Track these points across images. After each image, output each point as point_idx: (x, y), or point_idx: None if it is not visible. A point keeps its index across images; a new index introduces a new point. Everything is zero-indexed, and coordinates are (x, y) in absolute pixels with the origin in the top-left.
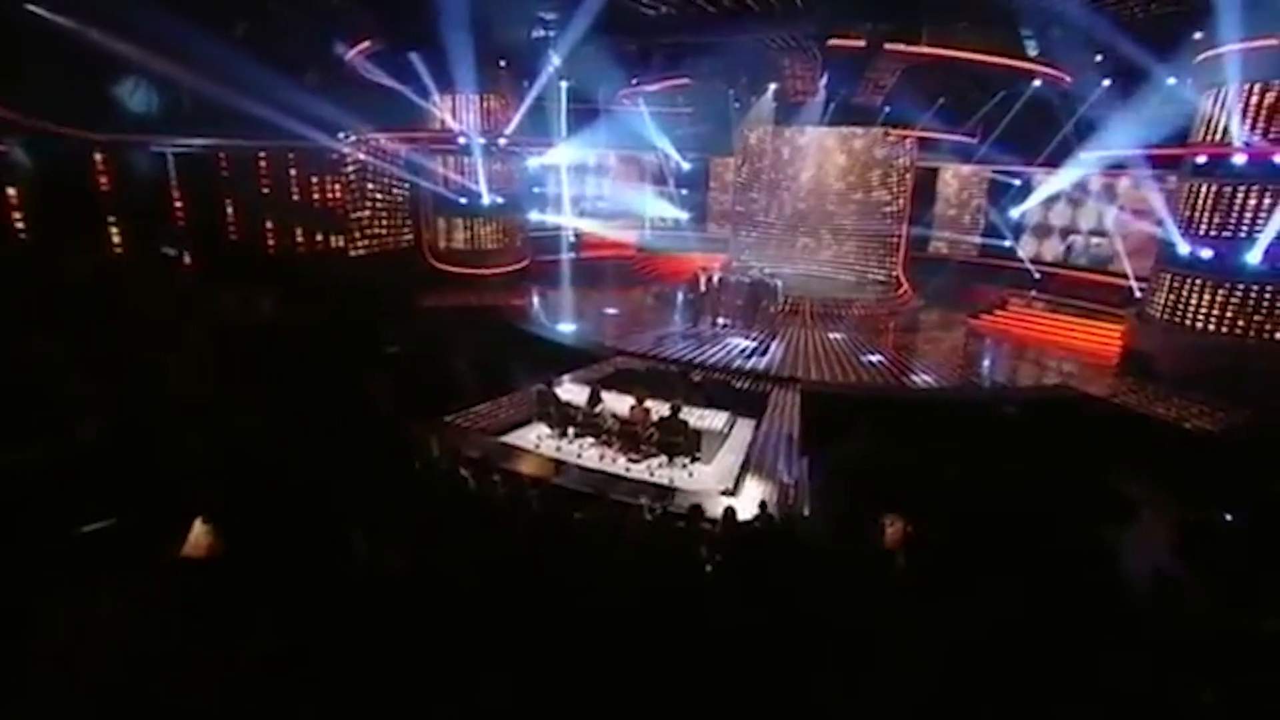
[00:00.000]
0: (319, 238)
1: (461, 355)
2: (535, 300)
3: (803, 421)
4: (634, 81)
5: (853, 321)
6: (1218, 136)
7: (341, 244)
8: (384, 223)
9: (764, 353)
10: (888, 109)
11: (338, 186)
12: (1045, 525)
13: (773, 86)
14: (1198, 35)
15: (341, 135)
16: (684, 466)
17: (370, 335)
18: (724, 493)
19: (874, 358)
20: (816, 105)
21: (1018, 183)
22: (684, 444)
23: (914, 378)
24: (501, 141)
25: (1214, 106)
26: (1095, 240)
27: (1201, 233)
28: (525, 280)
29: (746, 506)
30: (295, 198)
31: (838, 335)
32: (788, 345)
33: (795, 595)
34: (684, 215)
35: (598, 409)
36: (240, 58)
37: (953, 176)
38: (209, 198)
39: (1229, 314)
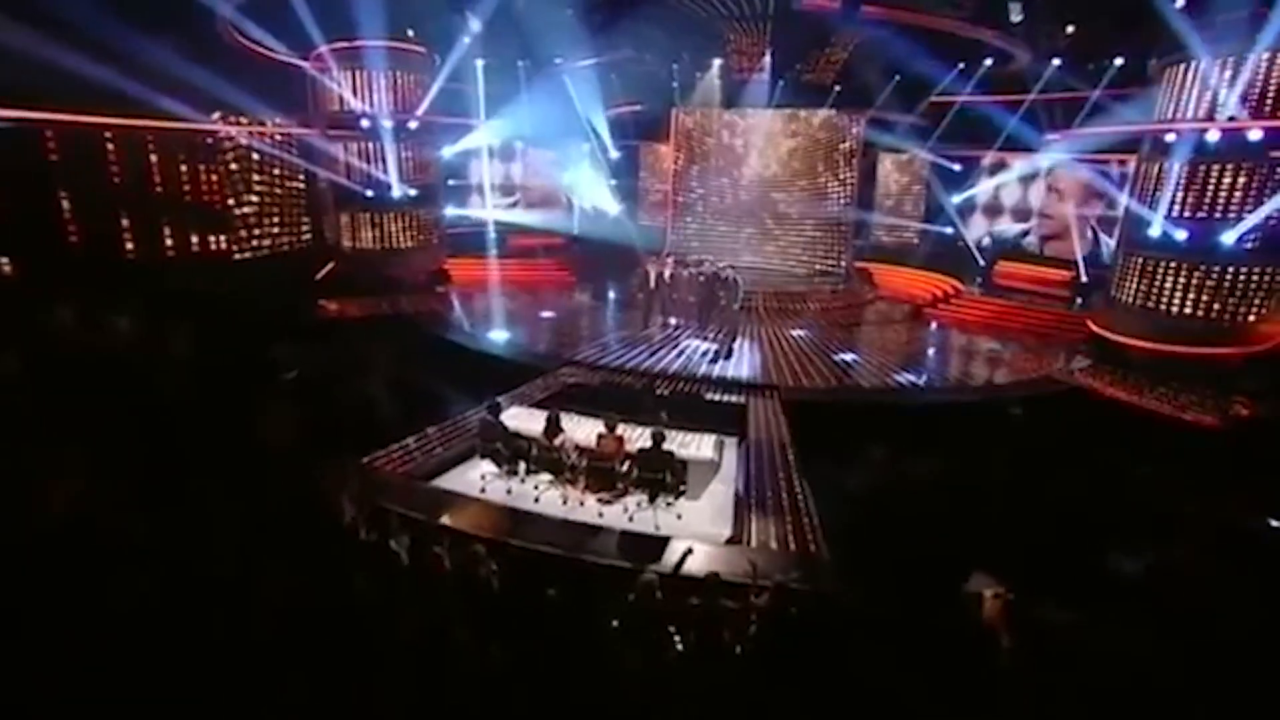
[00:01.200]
0: (194, 238)
1: (377, 376)
2: (459, 305)
3: (793, 436)
4: (558, 61)
5: (812, 316)
6: (1190, 112)
7: (224, 246)
8: (276, 219)
9: (728, 356)
10: (838, 89)
11: (215, 176)
12: (1113, 553)
13: (717, 63)
14: (1180, 2)
15: (217, 115)
16: (669, 505)
17: (262, 357)
18: (730, 541)
19: (847, 356)
20: (763, 85)
21: (957, 168)
22: (670, 481)
23: (895, 377)
24: (412, 125)
25: (1186, 81)
26: (1023, 226)
27: (1175, 214)
28: (445, 282)
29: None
30: (159, 189)
31: (801, 332)
32: (751, 346)
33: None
34: (616, 207)
35: (558, 440)
36: (71, 3)
37: (893, 162)
38: (33, 188)
39: (1204, 297)
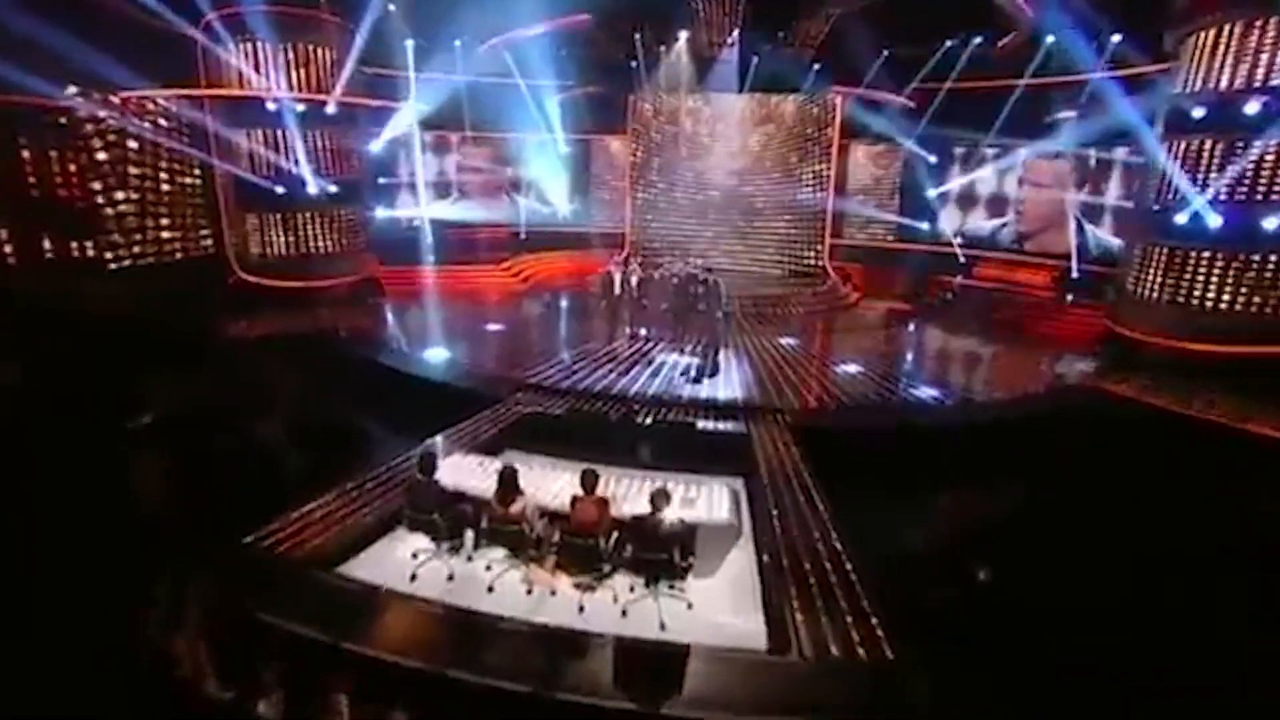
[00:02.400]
0: (48, 244)
1: (280, 413)
2: (391, 319)
3: (815, 474)
4: (494, 40)
5: (797, 321)
6: (1225, 83)
7: (93, 253)
8: (165, 221)
9: (713, 373)
10: (818, 67)
11: (75, 166)
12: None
13: (684, 36)
14: None
15: (73, 89)
16: (672, 587)
17: (123, 395)
18: (772, 651)
19: (850, 368)
20: (732, 66)
21: (933, 159)
22: (679, 564)
23: (910, 390)
24: (330, 109)
25: (1219, 47)
26: (999, 221)
27: (1210, 197)
28: (377, 293)
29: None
30: None
31: (789, 341)
32: (738, 359)
33: None
34: (568, 204)
35: (517, 505)
36: None
37: (865, 152)
38: None
39: (1244, 289)
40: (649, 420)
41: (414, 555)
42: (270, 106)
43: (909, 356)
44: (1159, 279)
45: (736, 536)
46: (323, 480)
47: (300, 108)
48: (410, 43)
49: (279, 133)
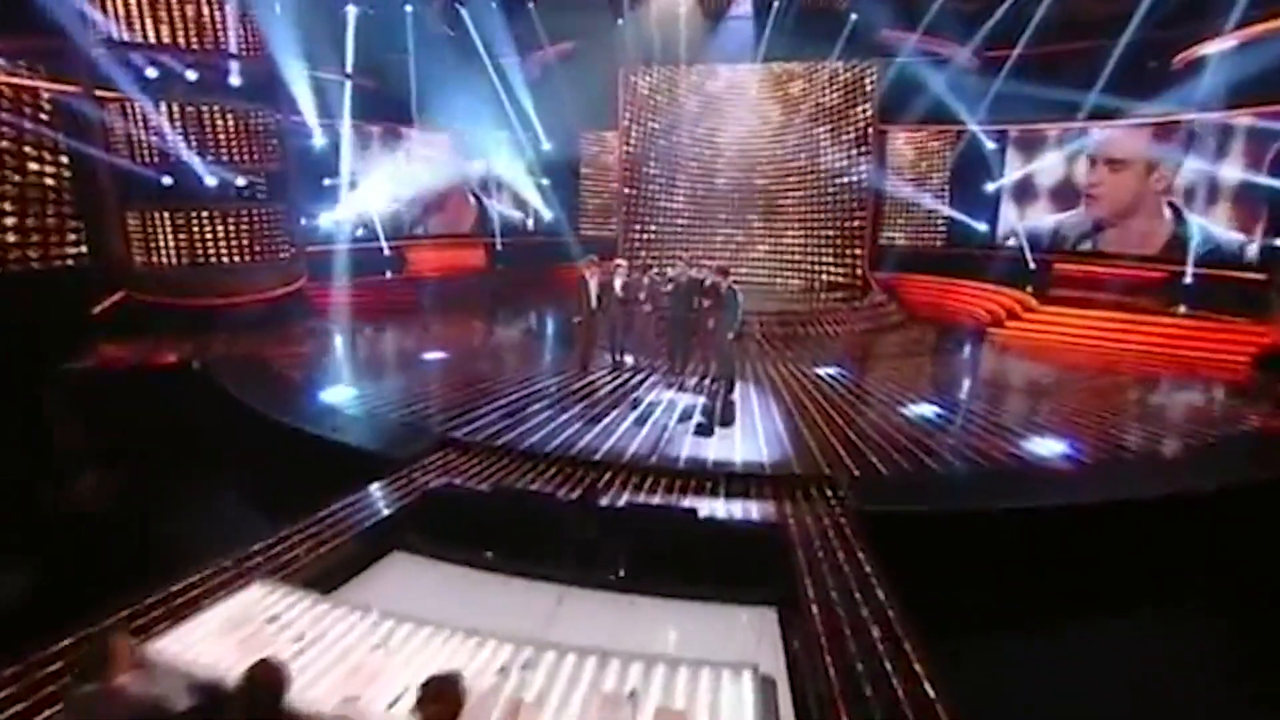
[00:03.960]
0: None
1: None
2: (303, 347)
3: (899, 602)
4: None
5: (838, 346)
6: None
7: None
8: (8, 221)
9: (726, 420)
10: (855, 17)
11: None
12: None
13: None
14: None
15: None
16: None
17: None
18: None
19: (922, 409)
20: (746, 24)
21: (992, 145)
22: None
23: (1027, 446)
24: (235, 80)
25: None
26: (1061, 215)
27: None
28: (301, 313)
29: None
30: None
31: (830, 371)
32: (760, 398)
33: None
34: (548, 212)
35: None
36: None
37: (911, 133)
38: None
39: None
40: (622, 501)
41: None
42: (150, 72)
43: (997, 393)
44: None
45: None
46: (45, 624)
47: (191, 75)
48: (353, 9)
49: (173, 110)
